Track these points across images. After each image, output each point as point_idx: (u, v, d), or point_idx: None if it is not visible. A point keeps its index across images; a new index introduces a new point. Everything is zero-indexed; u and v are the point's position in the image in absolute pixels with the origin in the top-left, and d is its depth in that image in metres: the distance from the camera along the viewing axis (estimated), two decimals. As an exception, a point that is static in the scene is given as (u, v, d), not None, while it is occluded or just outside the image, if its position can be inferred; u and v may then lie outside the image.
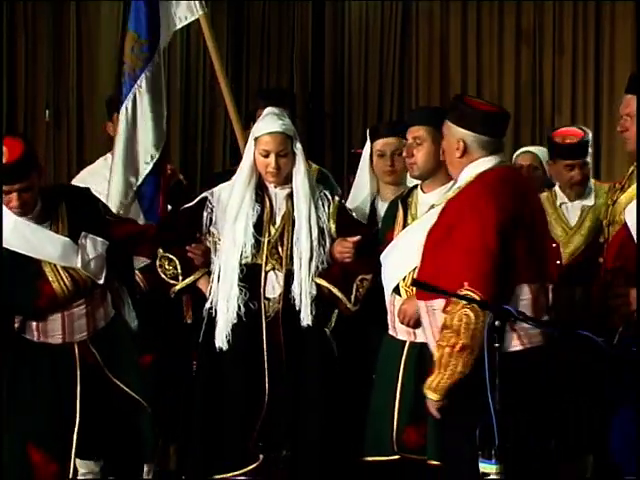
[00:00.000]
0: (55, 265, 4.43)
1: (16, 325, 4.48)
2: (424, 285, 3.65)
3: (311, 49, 7.84)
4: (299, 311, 4.47)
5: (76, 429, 4.42)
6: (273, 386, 4.46)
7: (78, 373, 4.46)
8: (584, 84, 7.80)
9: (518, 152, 5.96)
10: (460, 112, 3.81)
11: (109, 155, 5.30)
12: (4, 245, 4.38)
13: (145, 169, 5.19)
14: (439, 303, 3.71)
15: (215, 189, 4.67)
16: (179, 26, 5.35)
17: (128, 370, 4.54)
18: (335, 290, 4.49)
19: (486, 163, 3.79)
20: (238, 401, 4.49)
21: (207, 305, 4.55)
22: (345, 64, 7.92)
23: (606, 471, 4.40)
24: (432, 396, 3.67)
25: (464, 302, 3.57)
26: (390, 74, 7.88)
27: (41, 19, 6.83)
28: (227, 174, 5.14)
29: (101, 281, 4.49)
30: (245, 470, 4.47)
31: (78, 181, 5.19)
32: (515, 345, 3.68)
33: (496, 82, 7.91)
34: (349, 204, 5.00)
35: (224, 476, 4.50)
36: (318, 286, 4.51)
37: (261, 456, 4.46)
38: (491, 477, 3.51)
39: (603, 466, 4.51)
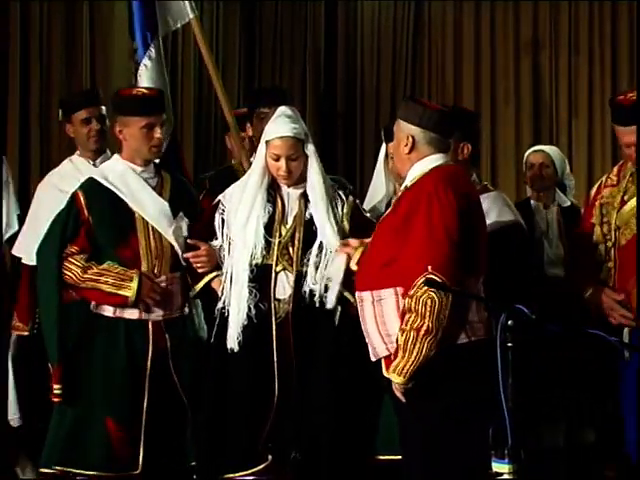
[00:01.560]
0: (147, 223, 4.52)
1: (92, 303, 4.54)
2: (438, 285, 3.63)
3: (324, 49, 7.84)
4: (312, 309, 4.45)
5: (145, 406, 4.46)
6: (282, 387, 4.44)
7: (150, 350, 4.51)
8: (601, 85, 7.77)
9: (530, 150, 5.95)
10: (410, 109, 3.87)
11: (74, 157, 5.25)
12: (110, 187, 4.52)
13: None
14: (388, 292, 3.76)
15: (228, 190, 4.66)
16: (169, 31, 5.36)
17: (185, 371, 4.57)
18: (346, 293, 4.48)
19: (435, 160, 3.84)
20: (247, 401, 4.47)
21: (219, 305, 4.54)
22: (357, 64, 7.92)
23: (624, 469, 4.39)
24: (397, 379, 3.70)
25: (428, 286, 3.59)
26: (403, 73, 7.88)
27: (55, 18, 6.82)
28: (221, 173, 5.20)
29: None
30: (253, 470, 4.46)
31: (47, 186, 5.12)
32: (462, 338, 3.73)
33: (512, 82, 7.89)
34: (366, 205, 4.98)
35: (232, 476, 4.48)
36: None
37: (270, 457, 4.44)
38: (504, 477, 3.48)
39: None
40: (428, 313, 3.61)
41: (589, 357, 4.52)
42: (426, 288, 3.60)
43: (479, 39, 7.92)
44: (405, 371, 3.67)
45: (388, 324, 3.78)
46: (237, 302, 4.46)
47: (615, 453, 4.42)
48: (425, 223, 3.68)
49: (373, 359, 3.89)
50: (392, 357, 3.73)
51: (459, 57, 7.91)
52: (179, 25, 5.33)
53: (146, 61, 5.16)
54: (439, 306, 3.61)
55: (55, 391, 4.47)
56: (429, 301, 3.61)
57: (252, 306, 4.45)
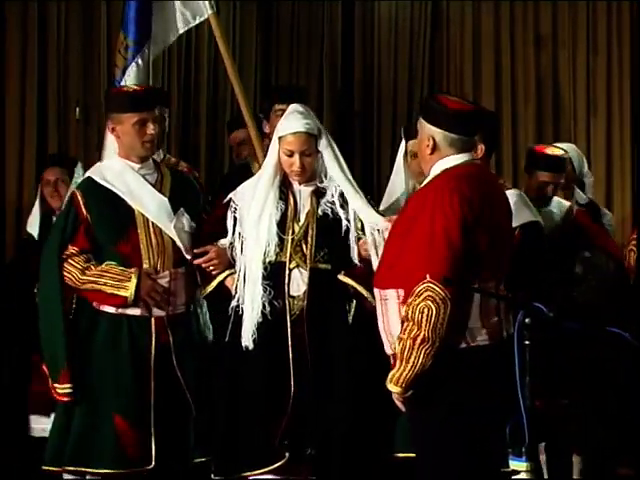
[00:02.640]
0: (147, 219, 4.51)
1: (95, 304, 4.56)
2: (455, 282, 3.61)
3: (341, 49, 7.82)
4: (326, 304, 4.45)
5: (152, 401, 4.46)
6: (298, 384, 4.43)
7: (153, 346, 4.50)
8: (620, 84, 7.73)
9: None
10: (431, 109, 3.82)
11: None
12: (107, 185, 4.52)
13: None
14: (391, 293, 3.74)
15: (239, 188, 4.66)
16: (187, 28, 5.35)
17: (189, 368, 4.56)
18: (360, 288, 4.48)
19: (453, 161, 3.79)
20: (263, 399, 4.46)
21: (233, 303, 4.53)
22: (375, 63, 7.89)
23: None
24: (395, 389, 3.66)
25: (428, 294, 3.56)
26: (420, 72, 7.86)
27: (72, 17, 6.82)
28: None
29: (189, 256, 4.56)
30: (271, 468, 4.45)
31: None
32: (460, 344, 3.69)
33: (533, 82, 7.86)
34: (384, 202, 4.98)
35: (250, 474, 4.48)
36: (344, 283, 4.49)
37: (287, 454, 4.44)
38: (521, 475, 3.47)
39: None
40: (425, 322, 3.57)
41: (605, 355, 4.50)
42: (425, 296, 3.57)
43: (499, 38, 7.89)
44: (402, 381, 3.63)
45: (391, 323, 3.78)
46: (251, 300, 4.46)
47: (630, 451, 4.40)
48: (426, 232, 3.64)
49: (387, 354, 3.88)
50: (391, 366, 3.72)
51: (478, 56, 7.88)
52: (197, 21, 5.32)
53: (139, 61, 5.15)
54: (436, 315, 3.57)
55: (65, 391, 4.46)
56: (426, 310, 3.57)
57: (267, 303, 4.45)
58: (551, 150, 5.46)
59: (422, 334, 3.57)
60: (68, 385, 4.46)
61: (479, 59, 7.88)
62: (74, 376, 4.46)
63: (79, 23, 6.84)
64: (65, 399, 4.48)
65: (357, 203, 4.50)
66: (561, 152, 5.44)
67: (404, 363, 3.60)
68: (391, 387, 3.67)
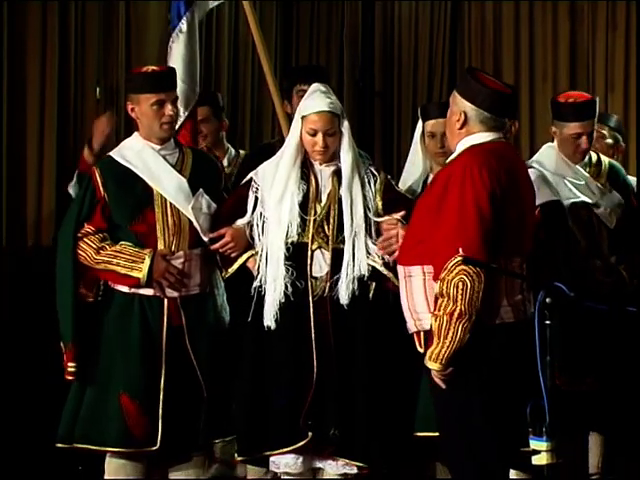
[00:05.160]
0: (166, 200, 4.52)
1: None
2: (475, 262, 3.63)
3: (361, 29, 7.79)
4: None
5: (162, 383, 4.47)
6: (321, 364, 4.46)
7: (165, 327, 4.52)
8: (638, 61, 7.70)
9: None
10: (468, 85, 3.83)
11: None
12: (126, 164, 4.54)
13: None
14: (416, 270, 3.75)
15: (259, 168, 4.68)
16: (212, 5, 5.35)
17: (202, 350, 4.58)
18: (382, 268, 4.49)
19: (482, 138, 3.81)
20: (286, 379, 4.49)
21: (255, 284, 4.56)
22: (395, 42, 7.88)
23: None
24: (434, 366, 3.67)
25: (461, 268, 3.57)
26: (440, 51, 7.83)
27: (91, 18, 6.74)
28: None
29: (206, 238, 4.57)
30: (294, 447, 4.48)
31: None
32: (489, 321, 3.71)
33: (550, 60, 7.83)
34: (402, 183, 4.99)
35: (273, 452, 4.51)
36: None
37: (310, 434, 4.46)
38: (541, 455, 3.49)
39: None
40: (460, 296, 3.59)
41: (627, 334, 4.52)
42: (458, 270, 3.58)
43: (518, 15, 7.87)
44: (441, 357, 3.64)
45: (416, 300, 3.80)
46: (273, 280, 4.49)
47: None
48: (457, 205, 3.65)
49: (409, 332, 3.90)
50: (422, 341, 3.74)
51: (499, 34, 7.86)
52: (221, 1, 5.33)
53: (177, 34, 5.15)
54: (471, 289, 3.58)
55: (69, 369, 4.51)
56: (461, 284, 3.58)
57: (289, 284, 4.48)
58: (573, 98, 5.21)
59: (458, 309, 3.58)
60: (72, 364, 4.50)
61: (500, 36, 7.86)
62: (79, 355, 4.49)
63: (98, 23, 6.79)
64: (70, 377, 4.53)
65: (354, 198, 4.49)
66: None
67: (442, 339, 3.61)
68: (430, 364, 3.67)
